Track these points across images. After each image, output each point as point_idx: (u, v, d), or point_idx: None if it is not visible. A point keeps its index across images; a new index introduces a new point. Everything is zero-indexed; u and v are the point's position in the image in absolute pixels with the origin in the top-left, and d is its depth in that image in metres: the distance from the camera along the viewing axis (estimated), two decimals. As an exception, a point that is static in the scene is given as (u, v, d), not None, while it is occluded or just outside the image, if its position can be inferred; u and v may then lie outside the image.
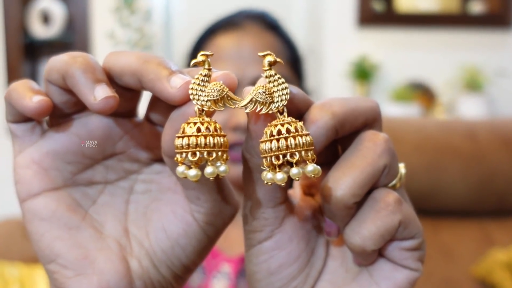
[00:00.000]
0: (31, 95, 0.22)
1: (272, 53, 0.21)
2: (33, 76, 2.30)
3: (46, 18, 2.23)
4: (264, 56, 0.21)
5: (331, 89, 2.27)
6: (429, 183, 0.95)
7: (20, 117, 0.24)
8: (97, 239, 0.24)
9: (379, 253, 0.24)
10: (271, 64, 0.21)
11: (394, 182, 0.24)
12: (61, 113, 0.24)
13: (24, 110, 0.22)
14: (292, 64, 0.62)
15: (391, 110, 2.11)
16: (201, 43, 0.63)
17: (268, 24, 0.62)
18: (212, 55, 0.21)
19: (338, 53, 2.23)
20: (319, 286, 0.25)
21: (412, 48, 2.26)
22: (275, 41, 0.60)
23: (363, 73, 2.15)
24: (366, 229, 0.22)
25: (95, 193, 0.25)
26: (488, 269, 0.85)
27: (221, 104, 0.21)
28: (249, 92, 0.21)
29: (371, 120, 0.24)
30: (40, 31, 2.19)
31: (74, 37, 2.18)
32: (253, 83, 0.53)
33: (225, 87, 0.21)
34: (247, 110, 0.21)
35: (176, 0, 2.32)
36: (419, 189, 0.96)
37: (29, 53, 2.25)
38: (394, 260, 0.24)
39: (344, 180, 0.21)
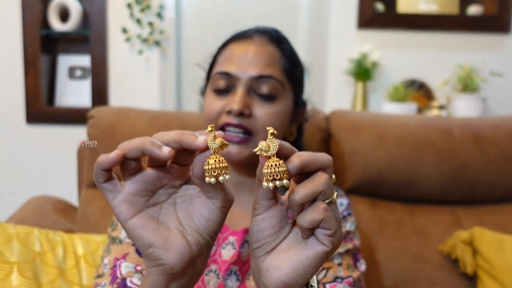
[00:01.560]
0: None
1: (273, 129, 0.43)
2: (51, 67, 2.47)
3: (63, 13, 2.39)
4: (269, 129, 0.43)
5: (334, 86, 2.42)
6: (408, 173, 1.12)
7: (107, 178, 0.44)
8: (167, 230, 0.45)
9: (312, 233, 0.44)
10: (272, 134, 0.42)
11: (329, 200, 0.43)
12: (130, 172, 0.45)
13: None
14: (287, 73, 0.76)
15: (388, 107, 2.26)
16: (221, 49, 0.79)
17: (273, 38, 0.76)
18: (213, 128, 0.43)
19: (340, 52, 2.38)
20: (282, 243, 0.46)
21: (411, 48, 2.41)
22: (275, 52, 0.75)
23: (363, 71, 2.30)
24: (306, 218, 0.42)
25: (158, 209, 0.46)
26: (452, 246, 1.02)
27: (223, 147, 0.43)
28: (260, 144, 0.42)
29: (324, 167, 0.43)
30: (57, 24, 2.36)
31: (89, 31, 2.34)
32: (250, 80, 0.68)
33: (223, 139, 0.43)
34: (257, 152, 0.42)
35: (186, -2, 2.48)
36: (400, 179, 1.12)
37: (47, 46, 2.41)
38: (318, 238, 0.43)
39: (299, 192, 0.42)
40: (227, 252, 0.74)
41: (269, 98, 0.72)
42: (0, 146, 2.41)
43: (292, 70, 0.76)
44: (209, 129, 0.43)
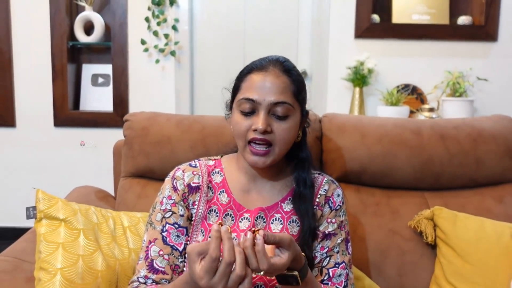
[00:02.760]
0: None
1: (263, 230, 0.78)
2: (76, 75, 2.79)
3: (87, 26, 2.71)
4: (258, 230, 0.79)
5: (333, 92, 2.72)
6: (385, 165, 1.41)
7: None
8: None
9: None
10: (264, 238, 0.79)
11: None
12: None
13: None
14: (296, 96, 1.01)
15: (383, 110, 2.55)
16: (243, 77, 1.01)
17: (284, 69, 0.99)
18: (221, 224, 0.79)
19: (339, 60, 2.67)
20: None
21: (404, 56, 2.70)
22: (286, 81, 0.98)
23: (360, 77, 2.59)
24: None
25: None
26: (418, 222, 1.32)
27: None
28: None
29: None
30: (82, 36, 2.68)
31: (111, 42, 2.66)
32: (270, 105, 0.97)
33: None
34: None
35: (198, 12, 2.79)
36: (378, 170, 1.41)
37: (72, 56, 2.73)
38: None
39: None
40: (243, 224, 1.03)
41: (283, 117, 0.98)
42: (31, 147, 2.73)
43: (298, 92, 1.02)
44: (219, 222, 0.78)
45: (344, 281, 1.03)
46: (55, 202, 1.13)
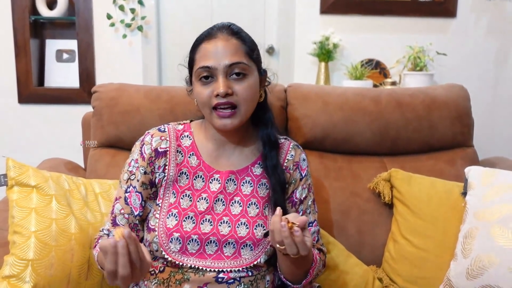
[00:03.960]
0: None
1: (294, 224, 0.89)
2: (39, 52, 2.74)
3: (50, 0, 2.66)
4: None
5: (300, 66, 2.78)
6: (346, 132, 1.49)
7: None
8: None
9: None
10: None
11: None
12: None
13: None
14: (249, 55, 1.06)
15: (348, 84, 2.63)
16: (194, 49, 1.05)
17: (233, 31, 1.03)
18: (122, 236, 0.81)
19: (305, 36, 2.73)
20: None
21: (368, 31, 2.78)
22: (236, 42, 1.02)
23: (325, 52, 2.65)
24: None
25: None
26: (376, 183, 1.42)
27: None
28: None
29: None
30: (45, 11, 2.63)
31: (76, 17, 2.63)
32: (225, 68, 1.01)
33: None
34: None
35: (164, -14, 2.77)
36: (340, 136, 1.50)
37: (35, 31, 2.69)
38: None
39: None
40: (214, 185, 1.08)
41: (242, 77, 1.03)
42: (-4, 125, 2.68)
43: (251, 51, 1.07)
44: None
45: (317, 236, 1.14)
46: (26, 169, 1.16)
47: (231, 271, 1.02)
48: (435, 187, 1.34)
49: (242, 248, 1.04)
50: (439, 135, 1.52)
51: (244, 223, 1.05)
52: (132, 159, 1.10)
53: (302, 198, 1.12)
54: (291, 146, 1.15)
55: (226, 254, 1.03)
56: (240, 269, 1.02)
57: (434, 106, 1.52)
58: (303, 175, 1.14)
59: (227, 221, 1.05)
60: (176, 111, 1.45)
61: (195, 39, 1.07)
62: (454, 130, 1.53)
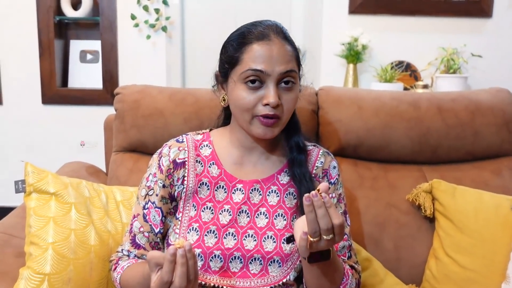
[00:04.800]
0: None
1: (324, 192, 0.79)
2: (64, 52, 2.70)
3: (75, 0, 2.62)
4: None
5: (327, 69, 2.67)
6: (382, 138, 1.38)
7: None
8: None
9: None
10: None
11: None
12: None
13: None
14: (298, 62, 0.96)
15: (377, 87, 2.51)
16: (240, 48, 0.93)
17: (285, 36, 0.94)
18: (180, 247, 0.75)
19: (332, 37, 2.62)
20: None
21: (398, 32, 2.65)
22: (291, 49, 0.93)
23: (354, 54, 2.54)
24: None
25: None
26: (416, 195, 1.30)
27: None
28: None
29: None
30: (69, 11, 2.59)
31: (100, 17, 2.57)
32: (279, 75, 0.91)
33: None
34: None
35: (189, -14, 2.70)
36: (376, 143, 1.39)
37: (60, 32, 2.65)
38: None
39: None
40: (237, 196, 0.99)
41: (290, 86, 0.94)
42: (19, 125, 2.66)
43: (298, 56, 0.98)
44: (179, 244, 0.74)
45: (348, 252, 1.02)
46: (45, 175, 1.09)
47: None
48: (482, 200, 1.22)
49: (269, 265, 0.95)
50: (484, 142, 1.40)
51: (271, 236, 0.96)
52: (150, 173, 1.02)
53: None
54: (320, 153, 1.06)
55: (252, 272, 0.95)
56: None
57: (479, 111, 1.39)
58: (332, 182, 1.04)
59: (252, 235, 0.97)
60: (201, 115, 1.36)
61: (238, 35, 0.96)
62: (501, 137, 1.40)
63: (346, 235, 1.03)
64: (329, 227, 0.78)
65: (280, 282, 0.94)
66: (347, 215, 1.06)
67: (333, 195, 1.03)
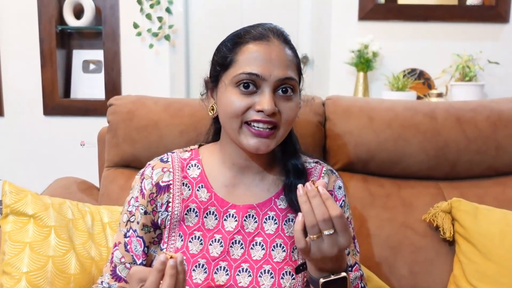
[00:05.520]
0: None
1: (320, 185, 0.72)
2: (66, 62, 2.63)
3: (77, 9, 2.54)
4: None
5: (336, 77, 2.55)
6: (396, 152, 1.25)
7: None
8: None
9: None
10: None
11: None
12: None
13: None
14: (299, 70, 0.85)
15: (389, 96, 2.39)
16: (235, 48, 0.82)
17: (286, 39, 0.84)
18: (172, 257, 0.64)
19: (342, 44, 2.50)
20: None
21: (410, 38, 2.53)
22: (291, 54, 0.83)
23: (364, 61, 2.42)
24: None
25: None
26: (434, 215, 1.16)
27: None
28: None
29: None
30: (72, 20, 2.52)
31: (102, 26, 2.49)
32: (277, 81, 0.79)
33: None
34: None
35: (194, -7, 2.61)
36: (388, 157, 1.26)
37: (62, 41, 2.57)
38: None
39: None
40: (229, 223, 0.86)
41: (288, 94, 0.82)
42: (20, 137, 2.58)
43: (299, 65, 0.87)
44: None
45: (360, 283, 0.90)
46: (24, 195, 0.99)
47: None
48: (509, 221, 1.08)
49: None
50: (508, 156, 1.26)
51: (268, 271, 0.84)
52: (132, 197, 0.89)
53: None
54: (323, 171, 0.93)
55: None
56: None
57: (501, 123, 1.26)
58: (338, 206, 0.89)
59: (247, 269, 0.84)
60: (199, 127, 1.25)
61: (233, 35, 0.85)
62: (526, 151, 1.27)
63: (357, 264, 0.91)
64: (325, 218, 0.69)
65: None
66: (356, 241, 0.94)
67: None
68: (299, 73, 0.86)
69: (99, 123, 2.47)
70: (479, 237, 1.08)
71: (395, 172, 1.28)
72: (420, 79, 2.54)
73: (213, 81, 0.87)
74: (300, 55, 0.88)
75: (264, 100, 0.78)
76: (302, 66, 0.89)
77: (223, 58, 0.84)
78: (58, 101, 2.56)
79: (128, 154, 1.28)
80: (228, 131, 0.84)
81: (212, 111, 0.88)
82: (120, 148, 1.28)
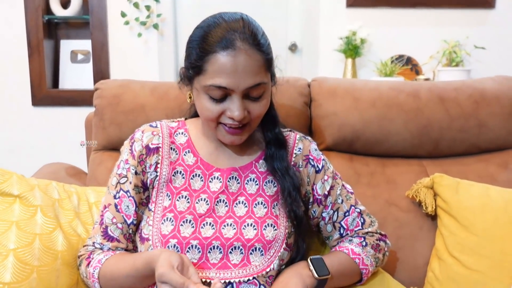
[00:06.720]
0: None
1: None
2: (54, 53, 2.62)
3: (64, -1, 2.53)
4: None
5: (325, 64, 2.57)
6: (380, 131, 1.27)
7: None
8: None
9: None
10: None
11: None
12: None
13: None
14: (268, 67, 0.87)
15: (377, 82, 2.41)
16: (204, 57, 0.83)
17: (254, 42, 0.83)
18: None
19: (330, 31, 2.52)
20: None
21: (398, 25, 2.55)
22: (259, 57, 0.83)
23: (352, 48, 2.44)
24: None
25: None
26: (416, 191, 1.19)
27: None
28: None
29: None
30: (58, 10, 2.51)
31: (89, 15, 2.49)
32: (245, 91, 0.83)
33: None
34: None
35: (181, -18, 2.61)
36: (373, 136, 1.28)
37: (49, 31, 2.56)
38: None
39: None
40: (214, 184, 0.93)
41: (259, 97, 0.86)
42: (8, 128, 2.57)
43: (270, 63, 0.88)
44: None
45: (359, 220, 0.99)
46: (9, 176, 0.99)
47: (240, 282, 0.85)
48: (489, 195, 1.11)
49: (251, 254, 0.88)
50: (490, 134, 1.29)
51: (251, 224, 0.90)
52: (122, 160, 0.95)
53: (326, 192, 0.98)
54: (297, 138, 1.00)
55: (233, 262, 0.87)
56: (251, 278, 0.86)
57: (484, 101, 1.29)
58: (320, 167, 0.98)
59: (231, 224, 0.90)
60: (185, 109, 1.26)
61: (200, 38, 0.86)
62: (507, 128, 1.29)
63: (352, 206, 0.99)
64: None
65: (264, 272, 0.87)
66: (346, 185, 1.02)
67: (325, 177, 0.98)
68: (269, 71, 0.88)
69: (88, 113, 2.48)
70: (461, 210, 1.10)
71: (380, 151, 1.30)
72: (407, 65, 2.57)
73: (188, 79, 0.91)
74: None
75: (234, 108, 0.84)
76: (272, 54, 0.90)
77: (193, 64, 0.87)
78: (46, 91, 2.55)
79: (115, 137, 1.29)
80: (205, 126, 0.93)
81: (190, 99, 0.94)
82: (107, 132, 1.29)
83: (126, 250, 0.94)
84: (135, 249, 0.95)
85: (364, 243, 0.97)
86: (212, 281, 0.72)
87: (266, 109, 0.90)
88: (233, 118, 0.85)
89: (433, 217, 1.19)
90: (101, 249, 0.93)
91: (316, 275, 0.87)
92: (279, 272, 0.91)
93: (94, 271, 0.89)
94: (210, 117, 0.87)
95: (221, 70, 0.82)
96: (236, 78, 0.82)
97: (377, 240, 0.99)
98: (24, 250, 0.90)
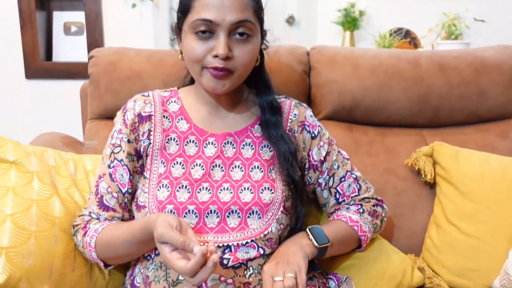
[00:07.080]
0: None
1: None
2: (47, 25, 2.56)
3: (56, -31, 2.47)
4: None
5: (323, 36, 2.53)
6: (380, 99, 1.26)
7: None
8: None
9: None
10: None
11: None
12: None
13: None
14: (257, 14, 0.87)
15: (375, 55, 2.38)
16: None
17: None
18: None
19: (328, 2, 2.47)
20: None
21: (397, -3, 2.51)
22: None
23: (351, 20, 2.40)
24: None
25: None
26: (416, 159, 1.19)
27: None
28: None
29: None
30: (50, -19, 2.44)
31: (83, -13, 2.43)
32: (230, 25, 0.81)
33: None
34: None
35: (176, -49, 2.54)
36: (373, 104, 1.27)
37: (42, 3, 2.50)
38: None
39: None
40: (209, 150, 0.92)
41: (245, 38, 0.85)
42: (2, 101, 2.54)
43: (259, 9, 0.89)
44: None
45: (356, 185, 0.99)
46: (4, 143, 0.98)
47: (238, 245, 0.85)
48: (489, 163, 1.10)
49: (248, 217, 0.87)
50: (490, 103, 1.28)
51: (248, 187, 0.89)
52: (115, 130, 0.95)
53: (322, 158, 0.98)
54: (293, 105, 0.99)
55: (230, 226, 0.87)
56: (249, 241, 0.86)
57: (484, 69, 1.27)
58: (316, 133, 0.98)
59: (228, 188, 0.90)
60: (182, 76, 1.23)
61: None
62: (507, 97, 1.28)
63: (348, 172, 0.99)
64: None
65: (262, 235, 0.87)
66: (342, 153, 1.02)
67: (321, 143, 0.98)
68: (258, 17, 0.89)
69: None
70: (460, 178, 1.10)
71: (379, 120, 1.29)
72: (406, 38, 2.54)
73: (178, 27, 0.92)
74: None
75: (218, 45, 0.83)
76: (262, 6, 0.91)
77: (182, 5, 0.88)
78: (40, 64, 2.51)
79: (111, 105, 1.27)
80: (192, 74, 0.91)
81: (181, 55, 0.93)
82: (103, 100, 1.27)
83: (122, 219, 0.93)
84: (131, 219, 0.94)
85: (361, 210, 0.98)
86: (207, 244, 0.71)
87: (252, 58, 0.89)
88: (217, 56, 0.83)
89: (431, 186, 1.19)
90: (97, 219, 0.92)
91: (316, 244, 0.87)
92: (279, 238, 0.91)
93: (91, 240, 0.88)
94: (195, 57, 0.85)
95: (207, 3, 0.83)
96: (222, 11, 0.82)
97: (373, 206, 1.00)
98: (21, 216, 0.89)
